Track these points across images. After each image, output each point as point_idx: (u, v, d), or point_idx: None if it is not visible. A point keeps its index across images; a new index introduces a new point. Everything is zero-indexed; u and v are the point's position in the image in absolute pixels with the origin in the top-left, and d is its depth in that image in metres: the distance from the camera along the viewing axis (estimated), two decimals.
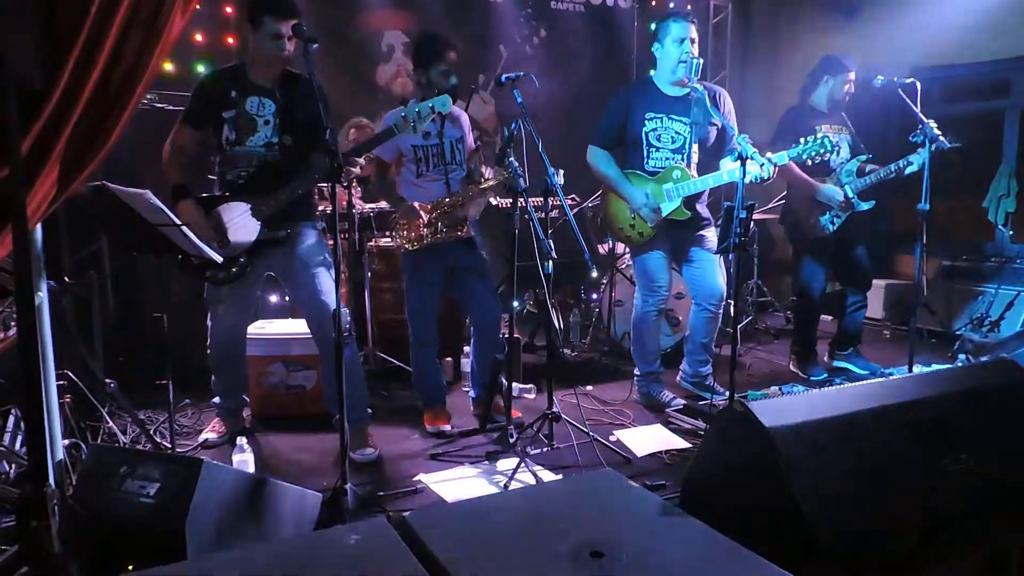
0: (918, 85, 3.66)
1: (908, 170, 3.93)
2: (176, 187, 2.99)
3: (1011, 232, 5.46)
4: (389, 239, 4.52)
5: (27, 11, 1.89)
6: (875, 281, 5.32)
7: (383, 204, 4.57)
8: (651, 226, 3.68)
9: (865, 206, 4.07)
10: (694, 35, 3.57)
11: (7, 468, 2.48)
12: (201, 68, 4.76)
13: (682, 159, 3.66)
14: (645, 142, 3.66)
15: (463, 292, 3.61)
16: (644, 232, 3.71)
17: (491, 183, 3.38)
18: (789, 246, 4.51)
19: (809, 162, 3.58)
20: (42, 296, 2.16)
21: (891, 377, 3.22)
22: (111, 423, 3.08)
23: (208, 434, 3.39)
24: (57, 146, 1.92)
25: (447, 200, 3.40)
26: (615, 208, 3.81)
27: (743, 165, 3.06)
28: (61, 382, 2.77)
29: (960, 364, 4.30)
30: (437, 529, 1.81)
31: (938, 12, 5.30)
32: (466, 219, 3.42)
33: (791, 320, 5.69)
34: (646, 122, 3.64)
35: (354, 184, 4.24)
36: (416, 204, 3.39)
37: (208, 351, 3.33)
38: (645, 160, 3.68)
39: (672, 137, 3.65)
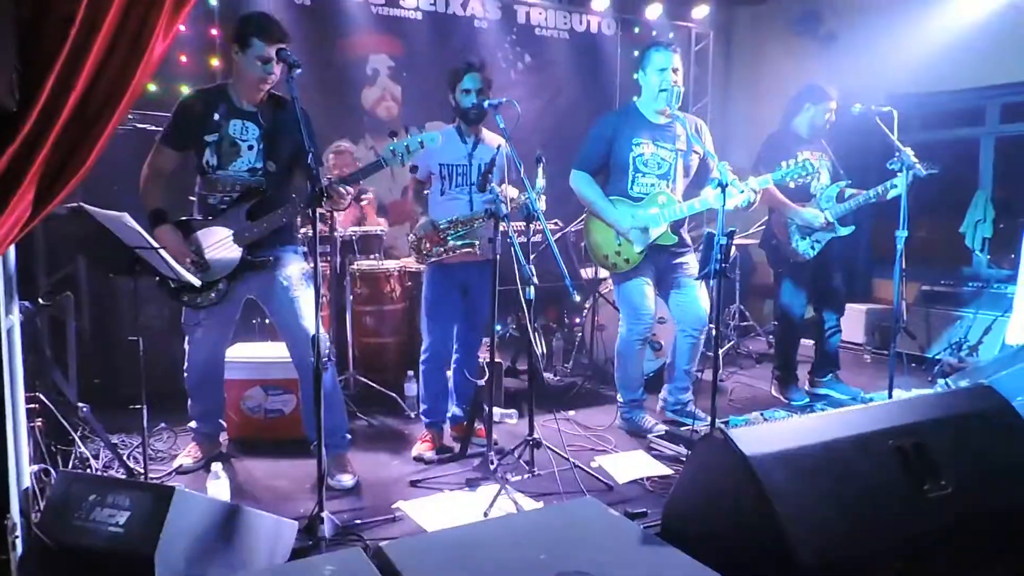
0: (895, 113, 3.71)
1: (891, 194, 3.96)
2: (154, 211, 2.97)
3: (988, 257, 5.54)
4: (372, 262, 4.51)
5: (3, 32, 1.88)
6: (856, 306, 5.37)
7: (366, 227, 4.57)
8: (638, 250, 3.67)
9: (845, 231, 4.12)
10: (677, 64, 3.60)
11: None
12: (185, 89, 4.74)
13: (667, 184, 3.68)
14: (632, 167, 3.67)
15: (460, 312, 3.61)
16: (631, 259, 3.71)
17: (514, 201, 3.38)
18: (770, 270, 4.54)
19: (791, 184, 3.62)
20: (12, 320, 2.12)
21: (871, 403, 3.23)
22: (83, 448, 3.02)
23: (183, 459, 3.33)
24: (32, 169, 1.89)
25: (465, 217, 3.40)
26: (599, 235, 3.81)
27: (723, 192, 3.09)
28: (32, 405, 2.72)
29: (940, 389, 4.32)
30: (414, 560, 1.79)
31: (913, 41, 5.41)
32: (481, 239, 3.37)
33: (772, 344, 5.72)
34: (633, 147, 3.65)
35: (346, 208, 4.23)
36: (432, 219, 3.42)
37: (185, 375, 3.28)
38: (630, 185, 3.69)
39: (658, 163, 3.67)
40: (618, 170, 3.70)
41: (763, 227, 4.55)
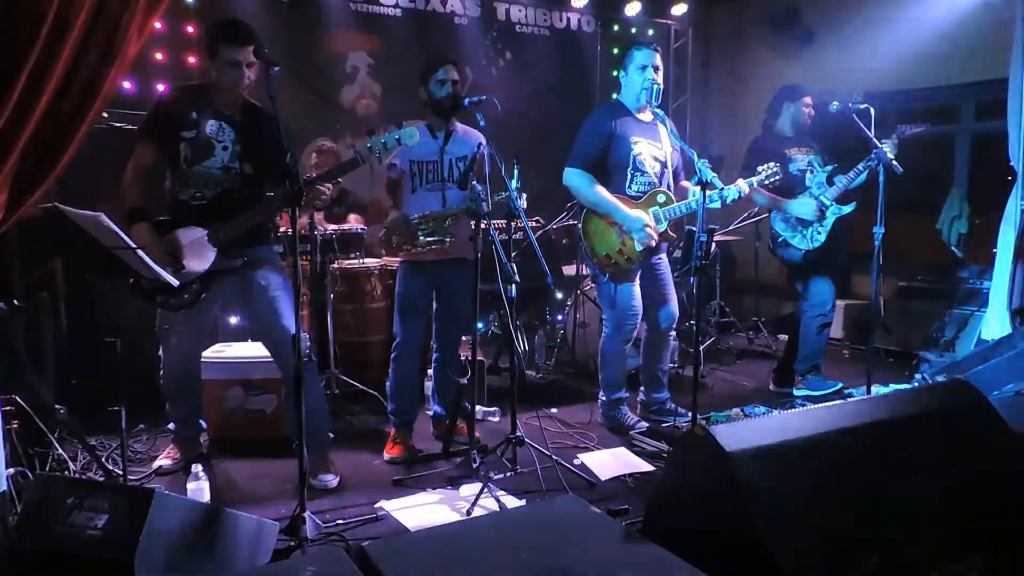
0: (871, 110, 3.75)
1: (855, 182, 4.06)
2: (132, 209, 2.93)
3: (964, 253, 5.61)
4: (352, 260, 4.48)
5: None
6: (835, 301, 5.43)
7: (345, 225, 4.54)
8: (640, 249, 3.63)
9: (847, 209, 4.13)
10: (657, 63, 3.61)
11: None
12: (161, 87, 4.70)
13: (661, 183, 3.70)
14: (632, 166, 3.64)
15: (438, 311, 3.60)
16: (632, 257, 3.66)
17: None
18: (750, 267, 4.56)
19: (769, 185, 3.68)
20: None
21: (850, 399, 3.27)
22: (60, 450, 2.98)
23: (163, 461, 3.30)
24: (4, 170, 1.87)
25: (437, 213, 3.36)
26: (599, 234, 3.71)
27: (703, 190, 3.10)
28: (8, 407, 2.68)
29: (917, 384, 4.37)
30: (396, 559, 1.78)
31: (890, 39, 5.49)
32: (454, 237, 3.35)
33: (756, 340, 5.79)
34: (632, 146, 3.63)
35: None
36: (404, 214, 3.38)
37: (161, 382, 3.24)
38: (628, 184, 3.66)
39: (652, 161, 3.68)
40: (617, 169, 3.65)
41: (750, 225, 4.57)
